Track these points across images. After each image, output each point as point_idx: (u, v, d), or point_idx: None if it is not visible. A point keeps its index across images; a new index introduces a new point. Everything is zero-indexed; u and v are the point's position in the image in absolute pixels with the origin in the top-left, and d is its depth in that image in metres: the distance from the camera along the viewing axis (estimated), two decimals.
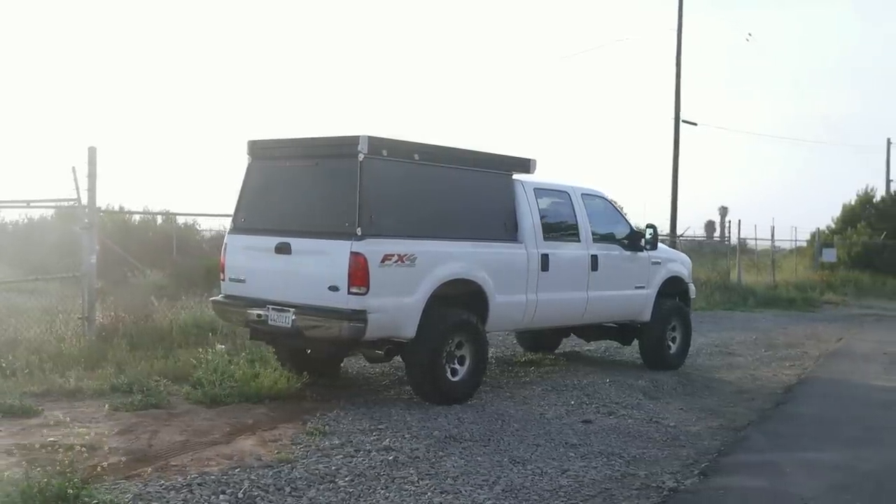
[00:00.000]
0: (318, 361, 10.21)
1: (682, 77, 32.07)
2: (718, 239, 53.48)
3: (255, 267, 9.35)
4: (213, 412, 8.54)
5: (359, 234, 8.44)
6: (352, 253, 8.40)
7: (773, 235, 32.57)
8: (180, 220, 27.85)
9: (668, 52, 31.73)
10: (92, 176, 11.40)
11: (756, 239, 32.68)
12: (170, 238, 25.36)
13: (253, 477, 6.37)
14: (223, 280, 9.70)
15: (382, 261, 8.53)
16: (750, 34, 42.27)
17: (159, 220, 27.61)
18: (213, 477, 6.34)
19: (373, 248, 8.47)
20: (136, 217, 27.29)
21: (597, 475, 6.83)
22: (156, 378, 9.68)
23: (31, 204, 13.43)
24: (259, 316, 9.13)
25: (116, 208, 24.90)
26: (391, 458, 7.03)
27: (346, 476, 6.49)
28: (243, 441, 7.50)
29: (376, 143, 8.70)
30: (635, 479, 6.79)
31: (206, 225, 28.79)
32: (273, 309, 8.99)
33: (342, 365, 10.87)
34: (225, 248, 9.71)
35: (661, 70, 57.38)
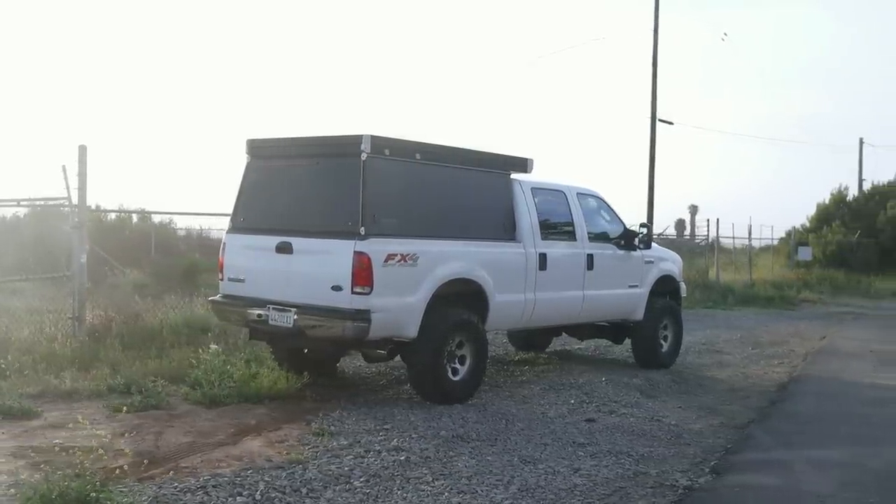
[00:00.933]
0: (315, 361, 10.18)
1: (658, 76, 32.11)
2: (688, 237, 53.81)
3: (255, 266, 9.28)
4: (214, 413, 8.49)
5: (362, 233, 8.41)
6: (355, 252, 8.37)
7: (749, 234, 32.90)
8: (156, 218, 27.65)
9: (646, 51, 31.80)
10: (82, 175, 11.29)
11: (733, 238, 32.95)
12: (147, 237, 25.16)
13: (267, 478, 6.32)
14: (221, 280, 9.63)
15: (386, 260, 8.51)
16: (725, 34, 42.62)
17: (135, 218, 27.37)
18: (226, 479, 6.29)
19: (376, 248, 8.44)
20: (112, 215, 27.03)
21: (609, 474, 6.85)
22: (152, 378, 9.60)
23: (22, 203, 13.29)
24: (259, 316, 9.07)
25: (93, 206, 24.62)
26: (402, 458, 7.01)
27: (360, 477, 6.46)
28: (250, 442, 7.45)
29: (379, 143, 8.67)
30: (647, 477, 6.82)
31: (182, 224, 28.61)
32: (274, 309, 8.93)
33: (338, 365, 10.84)
34: (224, 248, 9.64)
35: (638, 69, 57.48)
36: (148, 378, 9.60)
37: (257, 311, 9.09)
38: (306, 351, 10.23)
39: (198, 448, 7.21)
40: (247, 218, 9.53)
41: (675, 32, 64.69)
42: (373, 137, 8.60)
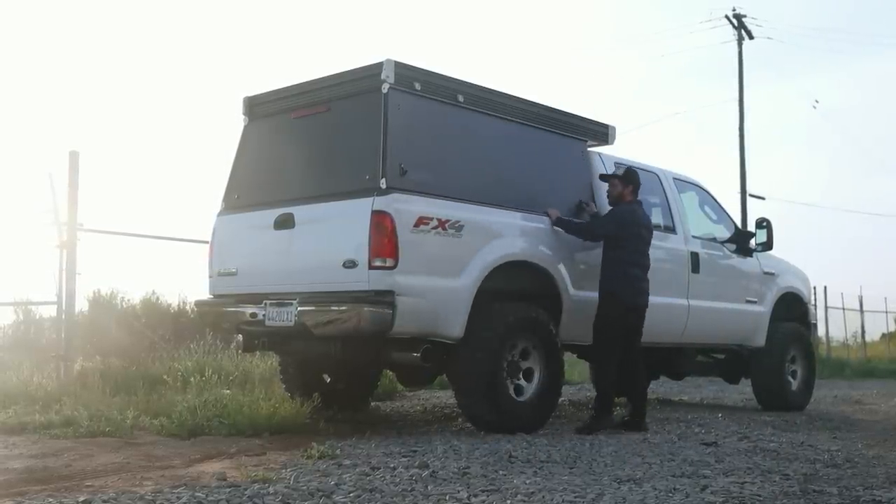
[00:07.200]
0: (340, 392, 7.83)
1: (746, 149, 29.29)
2: None
3: (248, 252, 7.00)
4: (188, 443, 6.11)
5: (383, 187, 6.11)
6: (374, 212, 6.05)
7: (861, 305, 29.50)
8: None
9: (731, 122, 29.32)
10: (73, 185, 9.24)
11: (843, 308, 29.52)
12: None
13: (200, 494, 3.91)
14: (210, 277, 7.35)
15: (416, 224, 6.16)
16: (817, 101, 39.54)
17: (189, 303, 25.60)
18: (134, 496, 3.91)
19: (402, 207, 6.11)
20: (174, 304, 25.25)
21: (761, 491, 4.23)
22: (133, 413, 7.24)
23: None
24: (253, 315, 6.77)
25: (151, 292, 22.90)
26: (426, 473, 4.53)
27: (348, 492, 4.00)
28: (209, 464, 5.07)
29: (406, 73, 6.45)
30: (826, 495, 4.19)
31: None
32: (271, 304, 6.62)
33: (370, 401, 8.44)
34: (213, 234, 7.39)
35: (725, 141, 54.28)
36: (123, 411, 7.27)
37: (251, 310, 6.80)
38: (327, 379, 7.91)
39: (127, 469, 4.85)
40: (243, 194, 7.30)
41: (764, 103, 61.06)
42: (397, 64, 6.39)
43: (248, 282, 6.96)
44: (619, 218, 7.30)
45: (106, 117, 39.48)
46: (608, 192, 7.57)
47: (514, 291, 6.91)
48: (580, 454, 5.47)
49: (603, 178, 7.65)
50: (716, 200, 9.39)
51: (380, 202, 6.06)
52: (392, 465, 4.78)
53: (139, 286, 12.80)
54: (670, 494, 4.09)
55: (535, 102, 7.50)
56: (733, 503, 3.92)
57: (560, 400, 7.39)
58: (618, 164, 8.07)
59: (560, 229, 7.19)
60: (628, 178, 7.46)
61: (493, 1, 67.19)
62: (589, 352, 7.78)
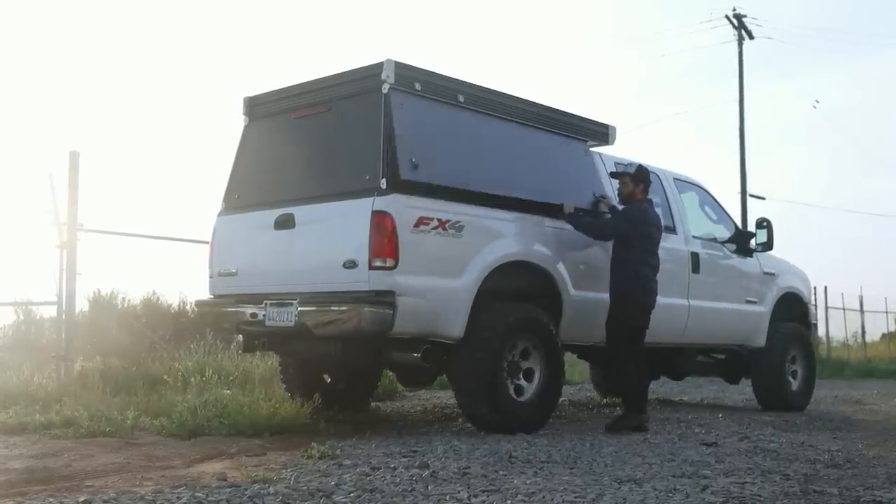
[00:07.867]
0: (338, 393, 7.83)
1: (746, 149, 29.22)
2: None
3: (249, 252, 7.00)
4: (188, 443, 6.10)
5: (383, 187, 6.11)
6: (374, 213, 6.05)
7: (861, 305, 29.49)
8: None
9: (731, 122, 29.27)
10: (73, 185, 9.22)
11: (843, 308, 29.52)
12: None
13: (200, 494, 3.91)
14: (210, 277, 7.35)
15: (416, 225, 6.16)
16: (817, 101, 39.47)
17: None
18: (135, 495, 3.91)
19: (402, 207, 6.11)
20: (174, 304, 25.21)
21: (761, 491, 4.23)
22: (133, 413, 7.24)
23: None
24: (254, 316, 6.77)
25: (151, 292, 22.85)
26: (426, 473, 4.53)
27: (348, 492, 4.00)
28: (210, 464, 5.07)
29: (407, 73, 6.45)
30: (827, 496, 4.19)
31: None
32: (272, 304, 6.62)
33: (371, 401, 8.44)
34: (213, 235, 7.40)
35: (725, 141, 54.12)
36: (123, 411, 7.27)
37: (251, 310, 6.80)
38: (328, 379, 7.91)
39: (128, 469, 4.85)
40: (243, 195, 7.30)
41: (764, 103, 60.99)
42: (397, 64, 6.39)
43: (248, 282, 6.96)
44: (631, 217, 7.32)
45: (106, 117, 39.48)
46: (619, 190, 7.57)
47: (515, 291, 6.91)
48: (580, 454, 5.48)
49: (613, 175, 7.66)
50: (716, 200, 9.40)
51: (380, 202, 6.06)
52: (392, 466, 4.79)
53: (139, 286, 12.78)
54: (670, 495, 4.10)
55: (535, 102, 7.50)
56: (733, 503, 3.92)
57: (560, 400, 7.39)
58: (618, 164, 8.06)
59: (570, 225, 7.19)
60: (639, 176, 7.47)
61: (493, 1, 67.24)
62: (600, 353, 7.77)
